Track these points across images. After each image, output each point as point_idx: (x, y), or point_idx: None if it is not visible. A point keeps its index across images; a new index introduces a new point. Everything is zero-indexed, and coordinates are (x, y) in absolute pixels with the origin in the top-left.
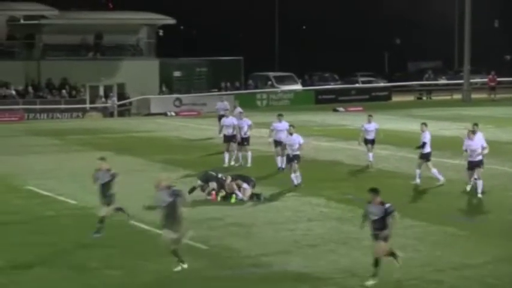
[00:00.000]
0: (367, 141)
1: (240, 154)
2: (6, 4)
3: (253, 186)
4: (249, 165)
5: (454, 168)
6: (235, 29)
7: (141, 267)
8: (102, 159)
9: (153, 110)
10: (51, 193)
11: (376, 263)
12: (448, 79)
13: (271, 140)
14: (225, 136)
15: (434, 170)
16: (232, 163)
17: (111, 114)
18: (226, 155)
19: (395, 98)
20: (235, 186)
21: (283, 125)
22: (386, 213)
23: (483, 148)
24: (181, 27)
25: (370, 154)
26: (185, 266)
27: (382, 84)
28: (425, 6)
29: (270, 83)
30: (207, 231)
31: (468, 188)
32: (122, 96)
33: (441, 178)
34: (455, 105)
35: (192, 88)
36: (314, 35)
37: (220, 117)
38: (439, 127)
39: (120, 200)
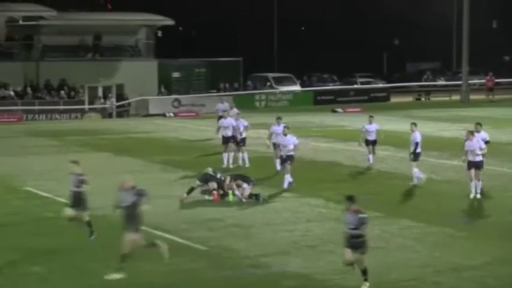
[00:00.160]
0: (368, 142)
1: (239, 155)
2: (4, 5)
3: (252, 186)
4: (247, 165)
5: (453, 169)
6: (234, 30)
7: (140, 268)
8: (75, 162)
9: (151, 111)
10: (50, 194)
11: (364, 272)
12: (446, 80)
13: (269, 142)
14: (223, 137)
15: (416, 170)
16: (231, 165)
17: (110, 115)
18: (225, 156)
19: (394, 99)
20: (234, 186)
21: (282, 128)
22: (362, 223)
23: (481, 149)
24: (180, 28)
25: (371, 156)
26: (122, 276)
27: (380, 85)
28: (424, 7)
29: (268, 84)
30: (206, 232)
31: (471, 196)
32: (120, 97)
33: (419, 178)
34: (454, 106)
35: (191, 89)
36: (313, 36)
37: (220, 118)
38: (437, 128)
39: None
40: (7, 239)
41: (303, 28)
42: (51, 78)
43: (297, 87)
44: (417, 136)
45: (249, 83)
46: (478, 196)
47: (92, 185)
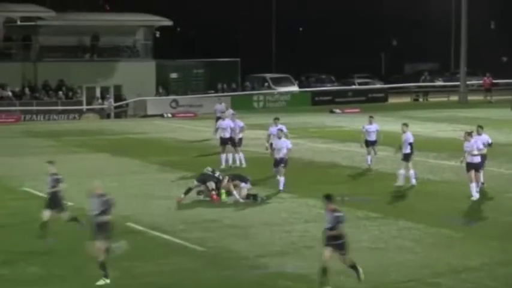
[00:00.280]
0: (368, 143)
1: (236, 155)
2: (3, 5)
3: (250, 185)
4: (243, 165)
5: (451, 169)
6: (232, 30)
7: (138, 268)
8: (50, 162)
9: (149, 112)
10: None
11: (354, 267)
12: (444, 81)
13: (268, 144)
14: (221, 138)
15: (402, 171)
16: (231, 166)
17: (108, 116)
18: (223, 157)
19: (392, 100)
20: (232, 187)
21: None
22: (338, 222)
23: (479, 150)
24: (178, 28)
25: (369, 157)
26: (108, 281)
27: (378, 86)
28: (422, 7)
29: (266, 84)
30: (204, 233)
31: (473, 198)
32: (118, 97)
33: (401, 182)
34: (452, 107)
35: (189, 90)
36: (311, 36)
37: (218, 119)
38: (435, 129)
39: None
40: (5, 239)
41: (300, 29)
42: (49, 79)
43: (295, 88)
44: (410, 137)
45: (247, 83)
46: (477, 196)
47: (88, 186)
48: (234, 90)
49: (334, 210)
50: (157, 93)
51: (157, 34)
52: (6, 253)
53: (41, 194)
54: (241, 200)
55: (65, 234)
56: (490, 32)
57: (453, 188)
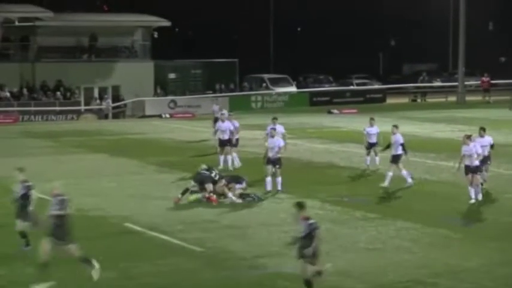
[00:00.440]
0: (369, 145)
1: (228, 156)
2: (0, 6)
3: (246, 185)
4: (236, 166)
5: (449, 170)
6: (230, 31)
7: (136, 269)
8: (20, 170)
9: (147, 112)
10: (46, 195)
11: (308, 284)
12: (442, 81)
13: (267, 144)
14: (220, 140)
15: (390, 174)
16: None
17: (106, 116)
18: (221, 158)
19: (390, 100)
20: (226, 190)
21: (278, 128)
22: (311, 230)
23: (478, 155)
24: (176, 29)
25: (368, 158)
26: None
27: (376, 87)
28: (420, 8)
29: (264, 85)
30: (202, 233)
31: (471, 201)
32: (116, 98)
33: (387, 184)
34: (450, 108)
35: (187, 90)
36: (309, 37)
37: (216, 119)
38: (433, 129)
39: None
40: (3, 240)
41: (299, 29)
42: (47, 79)
43: (292, 88)
44: (400, 138)
45: (245, 84)
46: (480, 198)
47: (86, 186)
48: (232, 90)
49: (307, 218)
50: (156, 94)
51: (155, 34)
52: (4, 253)
53: (39, 195)
54: (237, 201)
55: None
56: (488, 32)
57: (451, 189)
